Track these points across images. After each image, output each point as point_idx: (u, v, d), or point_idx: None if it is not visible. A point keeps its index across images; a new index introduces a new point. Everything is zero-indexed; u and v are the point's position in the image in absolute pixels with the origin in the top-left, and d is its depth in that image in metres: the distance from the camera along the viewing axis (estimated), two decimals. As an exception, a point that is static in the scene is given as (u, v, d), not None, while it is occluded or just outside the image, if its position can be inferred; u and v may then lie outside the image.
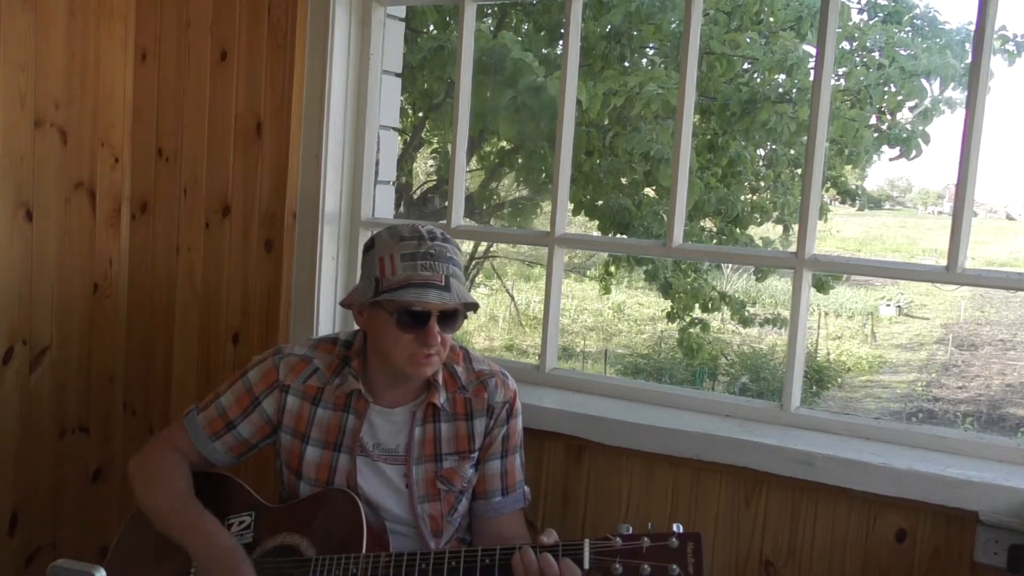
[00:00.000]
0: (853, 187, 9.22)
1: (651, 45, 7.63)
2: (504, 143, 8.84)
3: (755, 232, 8.56)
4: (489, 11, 7.85)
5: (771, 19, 7.33)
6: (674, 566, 1.42)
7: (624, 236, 7.24)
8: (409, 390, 1.76)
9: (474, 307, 1.68)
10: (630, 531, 1.47)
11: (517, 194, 11.12)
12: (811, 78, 1.99)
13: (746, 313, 8.65)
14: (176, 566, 1.67)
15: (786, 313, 7.55)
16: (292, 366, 1.78)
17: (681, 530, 1.45)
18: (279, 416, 1.78)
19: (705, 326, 8.47)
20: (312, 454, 1.75)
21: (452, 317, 1.66)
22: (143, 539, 1.75)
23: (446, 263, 1.64)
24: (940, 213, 31.13)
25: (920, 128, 7.14)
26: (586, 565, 1.46)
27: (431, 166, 10.64)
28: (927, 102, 7.13)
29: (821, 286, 8.29)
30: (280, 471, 1.83)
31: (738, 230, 7.72)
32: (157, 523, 1.71)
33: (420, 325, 1.63)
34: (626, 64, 7.55)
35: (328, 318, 2.38)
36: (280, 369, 1.78)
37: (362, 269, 1.73)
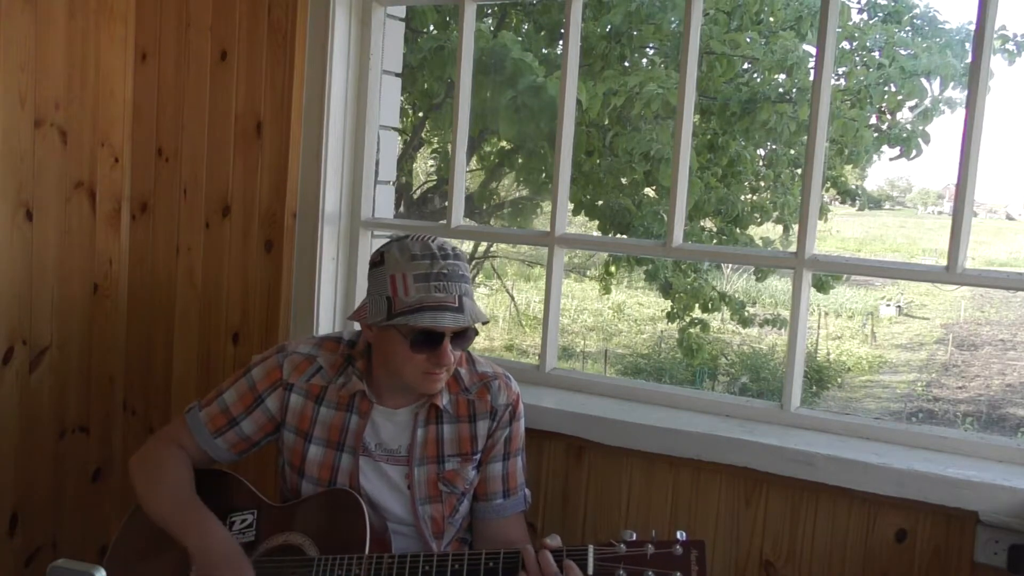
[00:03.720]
0: (853, 187, 9.22)
1: (651, 45, 7.63)
2: (504, 143, 8.83)
3: (755, 232, 8.56)
4: (489, 11, 7.85)
5: (771, 19, 7.33)
6: (678, 574, 1.42)
7: (624, 236, 7.24)
8: (412, 392, 1.75)
9: (485, 322, 1.69)
10: (634, 537, 1.46)
11: (517, 194, 11.12)
12: (811, 78, 1.99)
13: (746, 313, 8.64)
14: (176, 564, 1.67)
15: (786, 313, 7.54)
16: (296, 364, 1.78)
17: (685, 538, 1.45)
18: (282, 414, 1.78)
19: (705, 326, 8.47)
20: (315, 453, 1.75)
21: (464, 335, 1.67)
22: (143, 537, 1.75)
23: (459, 282, 1.63)
24: (940, 213, 31.13)
25: (920, 128, 7.14)
26: (590, 571, 1.45)
27: (431, 166, 10.64)
28: (927, 102, 7.13)
29: (821, 286, 8.29)
30: (283, 469, 1.83)
31: (738, 230, 7.72)
32: (157, 520, 1.71)
33: (434, 346, 1.63)
34: (626, 64, 7.55)
35: (328, 318, 2.38)
36: (284, 367, 1.78)
37: (370, 285, 1.69)
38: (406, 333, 1.63)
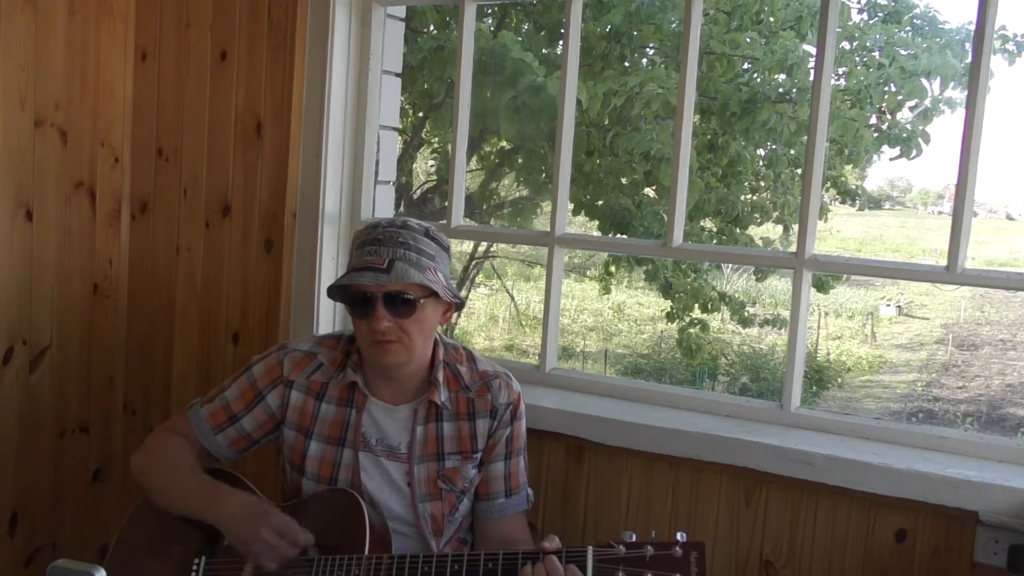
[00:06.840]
0: (853, 187, 9.21)
1: (651, 45, 7.62)
2: (504, 143, 8.83)
3: (755, 232, 8.56)
4: (489, 11, 7.85)
5: (771, 19, 7.32)
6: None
7: (624, 236, 7.24)
8: (408, 387, 1.76)
9: (431, 291, 1.66)
10: (633, 539, 1.46)
11: (517, 194, 11.12)
12: (811, 78, 1.99)
13: (746, 313, 8.64)
14: (177, 563, 1.68)
15: (786, 313, 7.53)
16: (296, 362, 1.79)
17: (685, 539, 1.45)
18: (283, 411, 1.78)
19: (705, 326, 8.46)
20: (315, 449, 1.76)
21: (405, 302, 1.65)
22: (143, 537, 1.75)
23: (395, 247, 1.64)
24: (940, 213, 31.12)
25: (920, 128, 7.14)
26: (590, 573, 1.45)
27: (431, 166, 10.64)
28: (927, 102, 7.12)
29: (821, 286, 8.29)
30: (283, 467, 1.83)
31: (738, 230, 7.71)
32: (169, 499, 1.72)
33: (367, 309, 1.65)
34: (626, 64, 7.54)
35: (328, 318, 2.38)
36: (284, 364, 1.79)
37: None
38: (344, 299, 1.69)
